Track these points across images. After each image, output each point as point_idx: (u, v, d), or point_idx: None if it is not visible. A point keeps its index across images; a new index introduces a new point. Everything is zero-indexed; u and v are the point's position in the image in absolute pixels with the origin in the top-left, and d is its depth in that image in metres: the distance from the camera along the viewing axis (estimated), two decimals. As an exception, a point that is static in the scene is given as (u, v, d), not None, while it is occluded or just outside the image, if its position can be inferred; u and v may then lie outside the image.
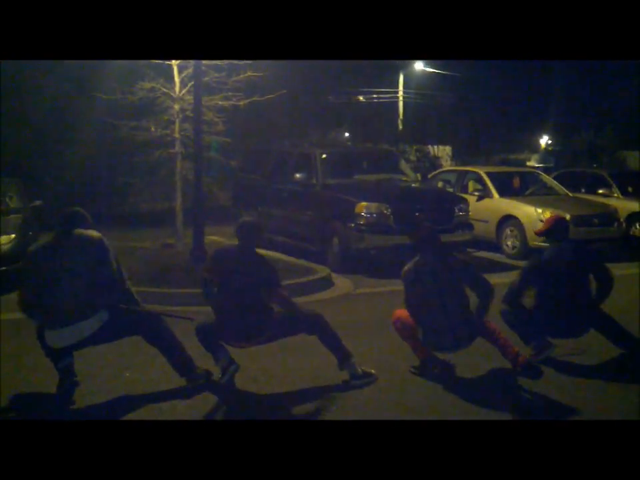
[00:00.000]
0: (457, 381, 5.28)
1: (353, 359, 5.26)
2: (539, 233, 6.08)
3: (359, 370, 5.23)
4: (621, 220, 12.25)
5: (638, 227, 12.84)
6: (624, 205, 12.75)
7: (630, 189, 13.45)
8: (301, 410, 4.72)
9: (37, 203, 10.57)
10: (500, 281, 9.49)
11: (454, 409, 4.70)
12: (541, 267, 5.68)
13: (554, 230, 5.82)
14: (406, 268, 5.47)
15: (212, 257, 5.45)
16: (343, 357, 5.24)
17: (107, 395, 4.99)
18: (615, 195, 13.30)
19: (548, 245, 5.92)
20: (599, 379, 5.34)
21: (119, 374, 5.40)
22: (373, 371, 5.33)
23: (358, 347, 6.09)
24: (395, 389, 5.08)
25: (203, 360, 5.22)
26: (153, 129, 10.89)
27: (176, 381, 5.14)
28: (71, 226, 4.83)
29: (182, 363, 5.08)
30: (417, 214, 10.21)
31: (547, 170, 18.25)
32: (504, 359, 5.65)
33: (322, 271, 9.41)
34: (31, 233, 9.43)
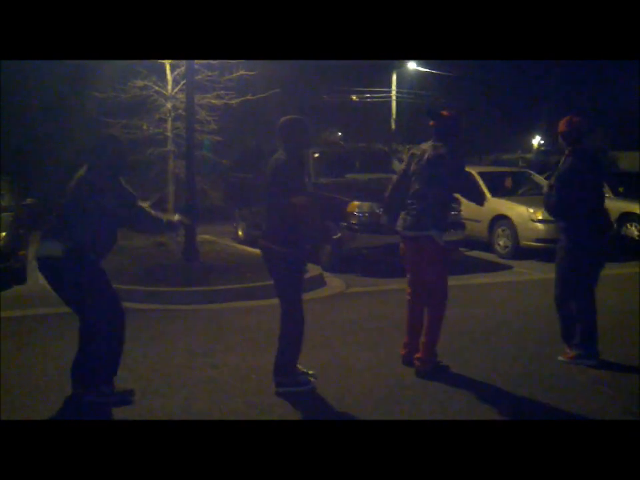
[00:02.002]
0: (452, 381, 5.27)
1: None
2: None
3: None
4: (613, 220, 12.30)
5: (629, 227, 12.90)
6: (615, 205, 12.80)
7: (621, 189, 13.51)
8: (299, 410, 4.70)
9: (29, 201, 10.55)
10: (492, 280, 9.58)
11: (452, 408, 4.68)
12: None
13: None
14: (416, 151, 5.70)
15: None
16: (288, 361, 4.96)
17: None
18: (607, 195, 13.33)
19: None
20: (599, 379, 5.34)
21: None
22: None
23: (349, 347, 6.10)
24: (388, 388, 5.06)
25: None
26: (145, 127, 10.88)
27: (173, 380, 5.14)
28: (117, 173, 4.77)
29: (89, 371, 4.68)
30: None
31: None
32: (503, 359, 5.67)
33: (314, 270, 9.39)
34: (22, 231, 9.41)
